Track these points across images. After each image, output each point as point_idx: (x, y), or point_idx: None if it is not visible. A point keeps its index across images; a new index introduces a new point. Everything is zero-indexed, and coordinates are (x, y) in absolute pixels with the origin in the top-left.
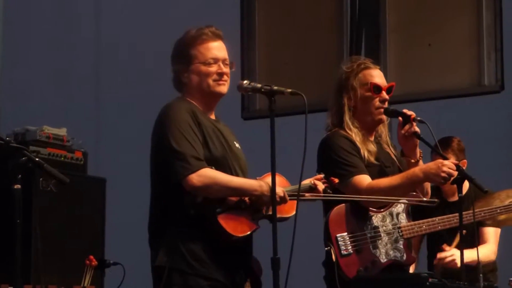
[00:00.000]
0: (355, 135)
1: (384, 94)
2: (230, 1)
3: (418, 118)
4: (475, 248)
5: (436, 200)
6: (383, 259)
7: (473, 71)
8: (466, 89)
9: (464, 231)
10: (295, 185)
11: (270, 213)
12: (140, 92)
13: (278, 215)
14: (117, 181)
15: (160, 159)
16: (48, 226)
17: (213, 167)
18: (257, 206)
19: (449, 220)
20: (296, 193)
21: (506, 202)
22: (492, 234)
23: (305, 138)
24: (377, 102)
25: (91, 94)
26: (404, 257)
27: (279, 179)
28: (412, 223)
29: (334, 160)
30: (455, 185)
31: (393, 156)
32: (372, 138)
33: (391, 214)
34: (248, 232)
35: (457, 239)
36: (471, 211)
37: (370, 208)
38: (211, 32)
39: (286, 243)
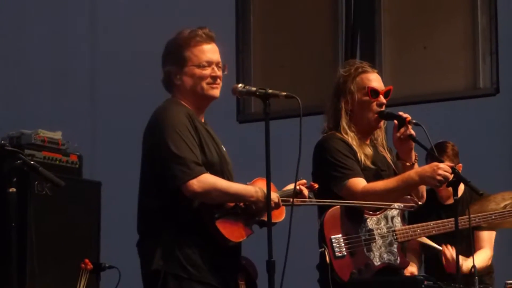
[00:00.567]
0: (352, 139)
1: (382, 98)
2: (225, 4)
3: (414, 121)
4: (471, 256)
5: (415, 205)
6: (376, 262)
7: (469, 74)
8: (461, 92)
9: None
10: (282, 191)
11: (261, 218)
12: (136, 95)
13: None
14: (112, 184)
15: (157, 163)
16: (43, 229)
17: (207, 171)
18: (252, 212)
19: (444, 224)
20: (286, 199)
21: (501, 205)
22: (487, 238)
23: (299, 141)
24: (374, 106)
25: (87, 97)
26: (398, 261)
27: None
28: (407, 227)
29: (330, 162)
30: (451, 189)
31: (389, 160)
32: (368, 142)
33: (386, 217)
34: (245, 237)
35: (456, 266)
36: (466, 217)
37: (366, 211)
38: (205, 34)
39: (281, 247)
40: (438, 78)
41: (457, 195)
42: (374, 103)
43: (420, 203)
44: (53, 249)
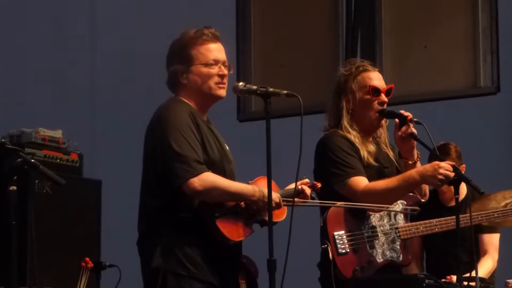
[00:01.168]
0: (354, 137)
1: (383, 97)
2: (226, 3)
3: (415, 119)
4: (477, 265)
5: (417, 208)
6: (379, 259)
7: (469, 73)
8: (462, 90)
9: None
10: (283, 190)
11: (262, 218)
12: (136, 93)
13: None
14: (112, 183)
15: (159, 162)
16: (43, 228)
17: (209, 170)
18: (252, 211)
19: (447, 222)
20: (287, 198)
21: (502, 204)
22: (491, 243)
23: (300, 140)
24: (375, 105)
25: (87, 96)
26: (401, 258)
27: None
28: (410, 224)
29: (331, 159)
30: (453, 191)
31: (392, 157)
32: (371, 139)
33: (389, 214)
34: (245, 237)
35: (457, 264)
36: (468, 215)
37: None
38: (211, 33)
39: (282, 245)
40: (439, 77)
41: (458, 194)
42: (376, 102)
43: (423, 200)
44: (54, 248)
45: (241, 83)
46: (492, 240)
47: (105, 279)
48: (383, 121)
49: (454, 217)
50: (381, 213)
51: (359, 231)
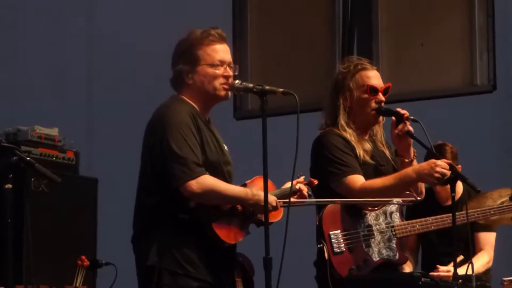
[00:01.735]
0: (350, 135)
1: (381, 96)
2: (223, 1)
3: (411, 117)
4: (471, 261)
5: (415, 199)
6: (375, 257)
7: (465, 71)
8: (458, 89)
9: (461, 257)
10: (280, 189)
11: (258, 218)
12: (132, 91)
13: None
14: (109, 181)
15: (158, 161)
16: (39, 226)
17: (208, 173)
18: (249, 213)
19: (443, 220)
20: (283, 198)
21: (498, 202)
22: (487, 240)
23: (297, 138)
24: (373, 104)
25: (83, 94)
26: (397, 256)
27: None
28: (406, 222)
29: (328, 158)
30: (449, 190)
31: (388, 155)
32: (367, 137)
33: (384, 213)
34: (241, 239)
35: (459, 259)
36: (464, 212)
37: (364, 206)
38: (218, 34)
39: (278, 243)
40: (435, 75)
41: (454, 192)
42: (373, 101)
43: (419, 198)
44: (50, 246)
45: (237, 81)
46: (488, 238)
47: (101, 277)
48: (379, 119)
49: (450, 215)
50: (377, 211)
51: (355, 230)
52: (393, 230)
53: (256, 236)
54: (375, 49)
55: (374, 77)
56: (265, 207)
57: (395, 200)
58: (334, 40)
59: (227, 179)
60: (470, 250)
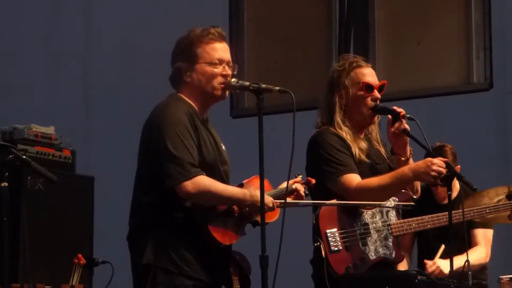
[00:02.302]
0: (346, 133)
1: (376, 93)
2: (219, 0)
3: (408, 116)
4: (465, 254)
5: (412, 204)
6: (372, 256)
7: (462, 69)
8: (455, 87)
9: (444, 246)
10: (277, 189)
11: (254, 219)
12: (129, 90)
13: None
14: (105, 179)
15: (154, 161)
16: (36, 224)
17: (204, 173)
18: (245, 214)
19: (439, 218)
20: (280, 198)
21: (495, 200)
22: (483, 236)
23: (293, 136)
24: (369, 101)
25: (80, 92)
26: (393, 255)
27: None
28: (402, 221)
29: (324, 157)
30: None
31: (383, 153)
32: (362, 135)
33: (381, 211)
34: (236, 240)
35: (441, 250)
36: (460, 210)
37: None
38: (217, 33)
39: (275, 241)
40: (432, 73)
41: (451, 190)
42: (369, 98)
43: (415, 197)
44: (46, 244)
45: (233, 79)
46: (484, 234)
47: (98, 276)
48: (375, 117)
49: (446, 213)
50: (373, 210)
51: (352, 229)
52: (389, 228)
53: (252, 235)
54: (371, 47)
55: (369, 74)
56: (261, 205)
57: (393, 204)
58: (331, 38)
59: (223, 179)
60: (466, 248)
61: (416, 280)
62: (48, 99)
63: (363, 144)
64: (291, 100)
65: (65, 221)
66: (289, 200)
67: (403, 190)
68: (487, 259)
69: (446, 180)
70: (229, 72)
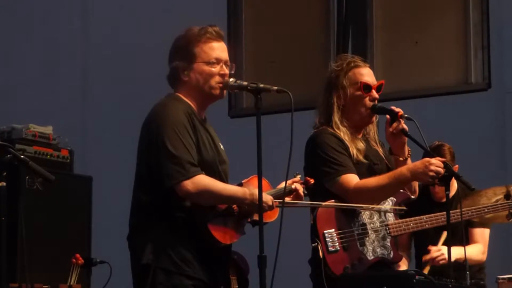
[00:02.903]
0: (344, 134)
1: (374, 93)
2: None
3: (406, 115)
4: (463, 246)
5: (404, 208)
6: (370, 256)
7: (460, 69)
8: (453, 87)
9: (445, 232)
10: (276, 189)
11: (254, 218)
12: (127, 90)
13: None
14: (103, 179)
15: (153, 160)
16: (34, 224)
17: (203, 172)
18: (245, 213)
19: (437, 218)
20: (279, 198)
21: (493, 200)
22: (480, 235)
23: (291, 136)
24: (367, 101)
25: (78, 92)
26: (391, 255)
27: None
28: (400, 221)
29: (322, 158)
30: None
31: (381, 154)
32: (360, 136)
33: (379, 212)
34: (236, 239)
35: (443, 237)
36: (458, 210)
37: None
38: (215, 32)
39: (273, 241)
40: (430, 73)
41: (449, 190)
42: (367, 98)
43: (413, 197)
44: (44, 244)
45: (231, 79)
46: (482, 234)
47: (96, 276)
48: (373, 117)
49: (444, 213)
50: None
51: (349, 229)
52: (387, 228)
53: (251, 235)
54: (369, 47)
55: (367, 74)
56: (259, 204)
57: (388, 208)
58: (329, 38)
59: (223, 178)
60: (464, 248)
61: (414, 280)
62: (46, 99)
63: (361, 145)
64: (289, 100)
65: (63, 221)
66: (287, 200)
67: (401, 190)
68: (484, 257)
69: (444, 180)
70: (227, 71)
